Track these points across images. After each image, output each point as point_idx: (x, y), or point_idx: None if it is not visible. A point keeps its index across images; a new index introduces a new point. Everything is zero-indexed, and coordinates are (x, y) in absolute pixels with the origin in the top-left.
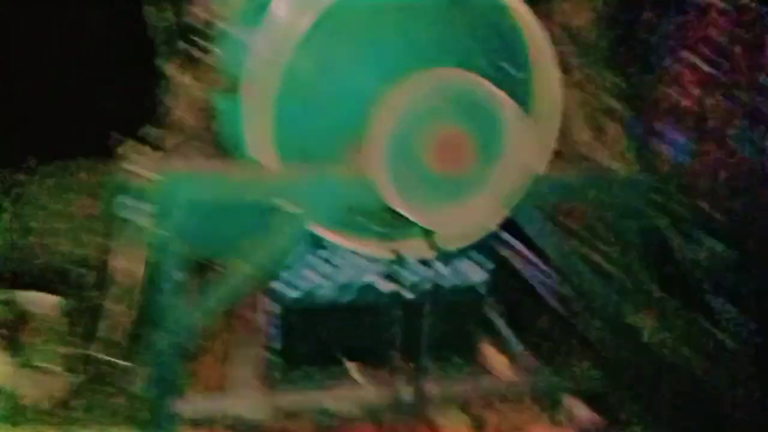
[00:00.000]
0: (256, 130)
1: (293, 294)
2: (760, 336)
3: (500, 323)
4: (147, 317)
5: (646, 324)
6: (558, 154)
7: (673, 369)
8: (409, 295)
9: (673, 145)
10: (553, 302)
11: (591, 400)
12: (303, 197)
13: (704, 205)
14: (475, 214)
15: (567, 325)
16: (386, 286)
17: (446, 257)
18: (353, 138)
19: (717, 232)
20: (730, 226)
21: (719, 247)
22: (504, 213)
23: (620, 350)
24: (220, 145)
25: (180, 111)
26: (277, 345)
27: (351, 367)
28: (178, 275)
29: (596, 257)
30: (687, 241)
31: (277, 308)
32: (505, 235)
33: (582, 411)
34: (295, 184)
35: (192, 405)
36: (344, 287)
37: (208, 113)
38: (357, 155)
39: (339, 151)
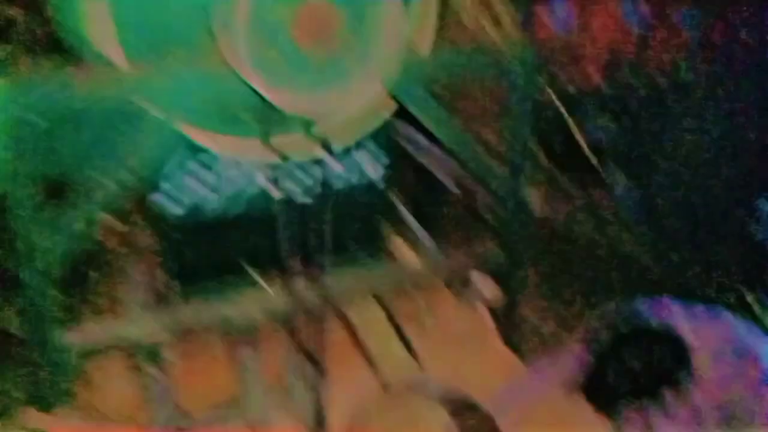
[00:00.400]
0: (98, 25)
1: (178, 210)
2: (647, 204)
3: (404, 213)
4: (7, 251)
5: (539, 199)
6: (444, 34)
7: (567, 241)
8: (303, 199)
9: (560, 17)
10: (453, 187)
11: (495, 277)
12: (161, 95)
13: (593, 78)
14: (353, 98)
15: (468, 208)
16: (277, 192)
17: (339, 154)
18: (206, 22)
19: (605, 105)
20: (618, 98)
21: (608, 119)
22: (387, 98)
23: (517, 227)
24: (62, 47)
25: (13, 12)
26: (170, 262)
27: (253, 273)
28: (35, 199)
29: (489, 137)
30: (576, 114)
31: (164, 226)
32: (399, 124)
33: (488, 287)
34: (150, 81)
35: (83, 334)
36: (232, 198)
37: (45, 13)
38: (214, 41)
39: (193, 39)
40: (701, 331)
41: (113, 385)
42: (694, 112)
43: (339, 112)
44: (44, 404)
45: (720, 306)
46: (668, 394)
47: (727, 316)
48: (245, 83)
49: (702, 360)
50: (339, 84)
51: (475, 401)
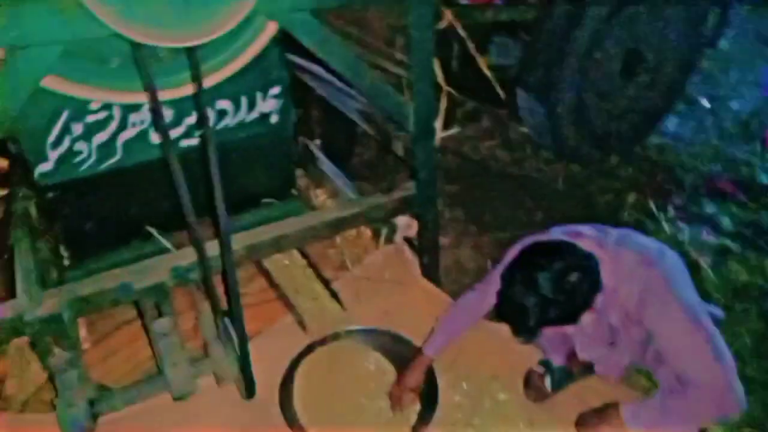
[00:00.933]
0: None
1: (49, 169)
2: (556, 129)
3: (317, 156)
4: None
5: (442, 127)
6: None
7: (483, 173)
8: (189, 142)
9: None
10: (361, 122)
11: (415, 216)
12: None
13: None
14: (226, 22)
15: (381, 147)
16: (158, 138)
17: (228, 91)
18: None
19: (507, 27)
20: (519, 22)
21: (510, 42)
22: (268, 22)
23: (425, 158)
24: None
25: None
26: (61, 231)
27: (155, 233)
28: None
29: (389, 65)
30: (477, 39)
31: (46, 191)
32: (293, 57)
33: (409, 227)
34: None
35: None
36: (108, 148)
37: None
38: None
39: None
40: (613, 252)
41: (19, 369)
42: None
43: (202, 37)
44: None
45: (631, 227)
46: (585, 316)
47: (638, 236)
48: (97, 21)
49: (613, 280)
50: (208, 8)
51: (406, 337)
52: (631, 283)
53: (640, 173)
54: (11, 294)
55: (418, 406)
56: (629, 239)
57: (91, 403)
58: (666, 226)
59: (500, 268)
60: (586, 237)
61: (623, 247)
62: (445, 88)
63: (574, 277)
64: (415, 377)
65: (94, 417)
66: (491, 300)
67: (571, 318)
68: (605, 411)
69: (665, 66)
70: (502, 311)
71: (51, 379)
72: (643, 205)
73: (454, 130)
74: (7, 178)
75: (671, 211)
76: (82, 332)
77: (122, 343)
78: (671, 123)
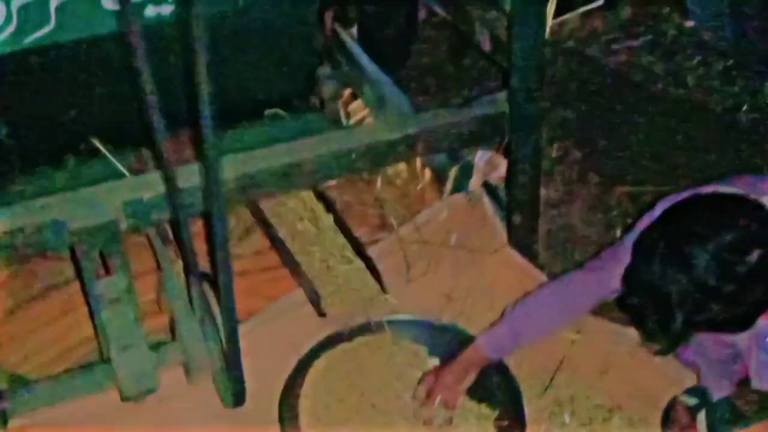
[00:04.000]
0: None
1: None
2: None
3: (353, 49)
4: None
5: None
6: None
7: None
8: (160, 9)
9: None
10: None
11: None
12: None
13: None
14: None
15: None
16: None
17: None
18: None
19: None
20: None
21: None
22: None
23: (526, 56)
24: None
25: None
26: None
27: (98, 146)
28: None
29: None
30: None
31: None
32: None
33: (493, 164)
34: None
35: None
36: (35, 12)
37: None
38: None
39: None
40: None
41: None
42: None
43: None
44: None
45: None
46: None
47: None
48: None
49: None
50: None
51: (470, 334)
52: None
53: None
54: None
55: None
56: None
57: (1, 397)
58: None
59: (632, 237)
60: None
61: None
62: None
63: (755, 255)
64: (456, 375)
65: (3, 420)
66: (612, 285)
67: (743, 321)
68: None
69: None
70: (630, 302)
71: None
72: None
73: (574, 16)
74: None
75: None
76: None
77: (48, 316)
78: None
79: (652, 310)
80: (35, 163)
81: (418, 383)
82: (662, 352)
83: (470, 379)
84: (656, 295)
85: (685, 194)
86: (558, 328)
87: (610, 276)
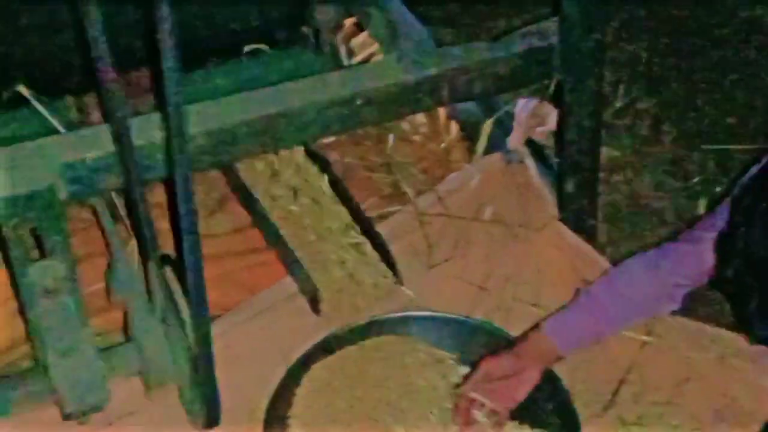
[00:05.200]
0: None
1: None
2: None
3: None
4: None
5: None
6: None
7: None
8: None
9: None
10: None
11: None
12: None
13: None
14: None
15: None
16: None
17: None
18: None
19: None
20: None
21: None
22: None
23: None
24: None
25: None
26: None
27: (25, 95)
28: None
29: None
30: None
31: None
32: None
33: (536, 113)
34: None
35: None
36: None
37: None
38: None
39: None
40: None
41: None
42: None
43: None
44: None
45: None
46: None
47: None
48: None
49: None
50: None
51: (509, 335)
52: None
53: None
54: None
55: None
56: None
57: None
58: None
59: (726, 203)
60: None
61: None
62: None
63: None
64: (524, 386)
65: None
66: (704, 265)
67: None
68: None
69: None
70: (725, 274)
71: None
72: None
73: None
74: None
75: None
76: None
77: None
78: None
79: (753, 284)
80: None
81: (454, 399)
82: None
83: (532, 382)
84: (758, 263)
85: None
86: (648, 316)
87: (700, 255)
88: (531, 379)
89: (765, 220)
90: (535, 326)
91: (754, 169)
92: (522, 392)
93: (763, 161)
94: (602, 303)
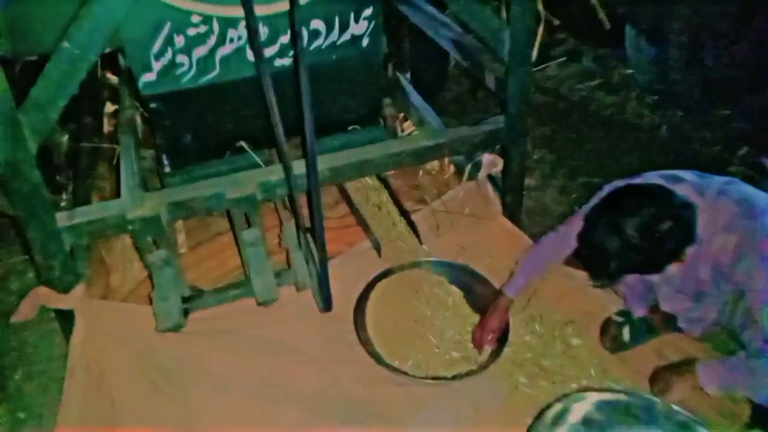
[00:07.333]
0: None
1: (152, 80)
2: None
3: (406, 86)
4: None
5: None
6: None
7: (577, 112)
8: (282, 61)
9: None
10: (453, 52)
11: (502, 152)
12: None
13: None
14: None
15: (469, 80)
16: (253, 55)
17: (320, 11)
18: None
19: None
20: None
21: None
22: None
23: (518, 90)
24: None
25: None
26: (159, 139)
27: (247, 147)
28: None
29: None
30: None
31: (143, 97)
32: None
33: (494, 163)
34: None
35: (81, 216)
36: (207, 62)
37: None
38: None
39: None
40: (712, 201)
41: (123, 265)
42: None
43: None
44: (55, 284)
45: (737, 177)
46: (671, 267)
47: (744, 186)
48: None
49: (709, 231)
50: None
51: (482, 274)
52: (728, 235)
53: (753, 125)
54: (117, 195)
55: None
56: (734, 188)
57: (184, 300)
58: None
59: (585, 209)
60: (686, 183)
61: (725, 196)
62: (544, 13)
63: (665, 225)
64: (498, 319)
65: (185, 313)
66: (572, 243)
67: (656, 268)
68: (681, 368)
69: None
70: (582, 254)
71: (150, 276)
72: (753, 159)
73: (550, 66)
74: (116, 94)
75: None
76: (181, 238)
77: (215, 251)
78: None
79: (597, 259)
80: (206, 157)
81: (473, 333)
82: (601, 286)
83: (505, 319)
84: (598, 249)
85: (621, 183)
86: (548, 268)
87: (569, 237)
88: (504, 319)
89: (603, 228)
90: (500, 291)
91: (596, 198)
92: (501, 324)
93: (603, 191)
94: (530, 259)
